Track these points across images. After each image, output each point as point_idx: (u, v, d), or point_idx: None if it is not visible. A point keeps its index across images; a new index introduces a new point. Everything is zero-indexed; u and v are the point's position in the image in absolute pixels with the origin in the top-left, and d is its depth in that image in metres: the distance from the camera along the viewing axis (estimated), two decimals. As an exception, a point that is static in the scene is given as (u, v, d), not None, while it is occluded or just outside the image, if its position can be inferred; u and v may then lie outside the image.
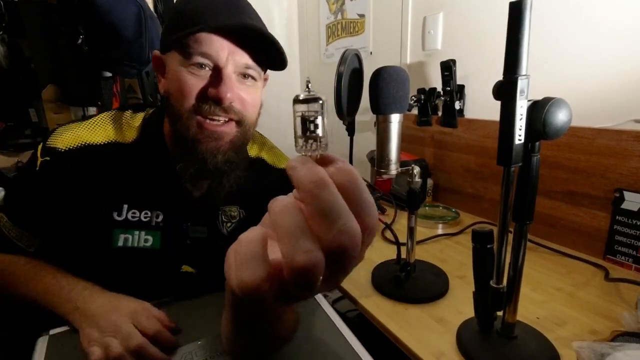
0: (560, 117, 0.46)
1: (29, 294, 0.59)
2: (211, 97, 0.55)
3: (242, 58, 0.57)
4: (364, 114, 1.65)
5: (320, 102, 0.26)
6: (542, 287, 0.74)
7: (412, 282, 0.74)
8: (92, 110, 1.62)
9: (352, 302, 0.74)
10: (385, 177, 0.67)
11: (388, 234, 0.98)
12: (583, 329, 0.62)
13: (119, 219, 0.62)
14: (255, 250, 0.25)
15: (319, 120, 0.27)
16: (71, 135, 0.61)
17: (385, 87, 0.60)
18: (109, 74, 1.49)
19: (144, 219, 0.62)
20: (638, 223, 0.77)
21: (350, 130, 0.71)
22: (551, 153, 0.90)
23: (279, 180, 0.70)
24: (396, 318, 0.66)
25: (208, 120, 0.57)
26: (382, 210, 1.14)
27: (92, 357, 0.49)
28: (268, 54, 0.60)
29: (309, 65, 2.07)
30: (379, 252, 0.90)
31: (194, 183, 0.63)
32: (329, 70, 1.91)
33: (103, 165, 0.61)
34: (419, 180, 0.70)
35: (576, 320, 0.64)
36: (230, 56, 0.56)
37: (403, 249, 0.79)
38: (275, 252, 0.24)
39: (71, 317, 0.55)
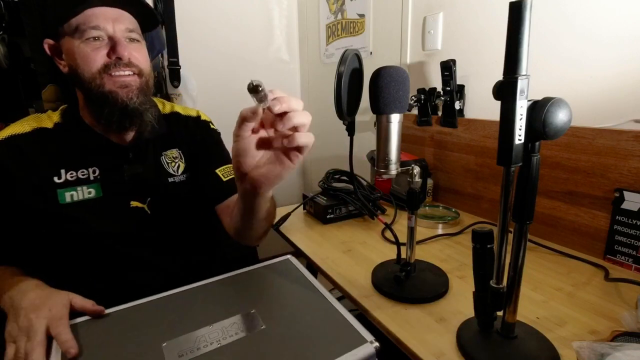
0: (560, 117, 0.46)
1: None
2: (114, 57, 0.70)
3: (124, 24, 0.72)
4: (364, 114, 1.65)
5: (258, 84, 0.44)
6: (542, 287, 0.74)
7: (412, 282, 0.74)
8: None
9: (352, 302, 0.74)
10: (385, 177, 0.67)
11: (388, 234, 0.99)
12: (583, 329, 0.62)
13: (59, 181, 0.73)
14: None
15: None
16: (8, 129, 0.74)
17: (385, 87, 0.61)
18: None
19: (81, 176, 0.75)
20: (638, 223, 0.77)
21: (350, 130, 0.71)
22: (551, 153, 0.90)
23: (194, 124, 0.91)
24: (396, 318, 0.66)
25: (117, 77, 0.72)
26: (382, 210, 1.14)
27: (6, 357, 0.54)
28: (143, 18, 0.77)
29: (309, 65, 2.07)
30: (379, 252, 0.90)
31: (122, 128, 0.75)
32: (329, 70, 1.91)
33: (32, 146, 0.73)
34: (419, 180, 0.70)
35: (576, 320, 0.64)
36: (116, 25, 0.71)
37: (403, 249, 0.79)
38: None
39: (7, 310, 0.61)
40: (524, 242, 0.52)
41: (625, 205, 0.79)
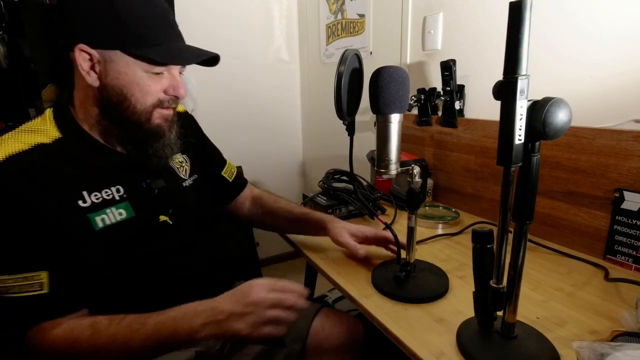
0: (560, 117, 0.46)
1: (139, 349, 0.59)
2: (172, 95, 0.69)
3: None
4: (364, 114, 1.65)
5: None
6: (542, 287, 0.74)
7: (412, 282, 0.74)
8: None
9: (352, 302, 0.74)
10: (385, 177, 0.67)
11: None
12: (583, 329, 0.62)
13: (86, 204, 0.64)
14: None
15: None
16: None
17: (386, 87, 0.61)
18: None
19: (107, 197, 0.67)
20: (638, 223, 0.77)
21: (350, 130, 0.71)
22: (551, 153, 0.90)
23: (185, 120, 0.85)
24: (396, 318, 0.65)
25: (166, 111, 0.70)
26: (382, 210, 1.14)
27: (275, 332, 0.60)
28: None
29: (309, 65, 2.07)
30: (380, 252, 0.90)
31: (151, 154, 0.71)
32: (329, 70, 1.91)
33: (39, 168, 0.62)
34: (419, 180, 0.70)
35: (576, 320, 0.64)
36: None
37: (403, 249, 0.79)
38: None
39: (204, 332, 0.59)
40: (524, 242, 0.52)
41: (625, 205, 0.79)
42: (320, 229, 0.88)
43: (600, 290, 0.73)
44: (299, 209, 0.95)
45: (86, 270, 0.65)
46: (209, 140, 0.98)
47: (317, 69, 2.00)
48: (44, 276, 0.60)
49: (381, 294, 0.72)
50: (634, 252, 0.78)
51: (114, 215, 0.67)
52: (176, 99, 0.70)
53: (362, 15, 1.61)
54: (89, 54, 0.63)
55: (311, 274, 1.20)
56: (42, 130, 0.66)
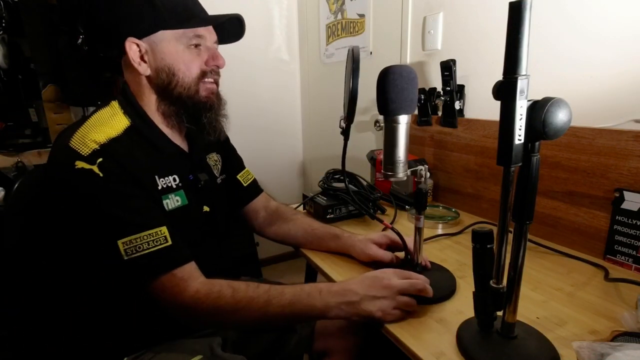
0: (560, 117, 0.46)
1: (276, 314, 0.65)
2: (213, 65, 0.76)
3: (215, 36, 0.79)
4: (364, 114, 1.65)
5: None
6: (542, 287, 0.74)
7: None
8: (91, 110, 1.62)
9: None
10: (392, 179, 0.65)
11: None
12: (583, 329, 0.62)
13: (159, 187, 0.71)
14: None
15: None
16: (94, 134, 0.66)
17: (394, 88, 0.58)
18: (108, 74, 1.50)
19: (169, 184, 0.73)
20: (638, 223, 0.77)
21: (346, 134, 0.69)
22: (551, 153, 0.90)
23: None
24: (396, 318, 0.65)
25: (209, 84, 0.76)
26: (382, 210, 1.14)
27: (402, 317, 0.64)
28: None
29: (309, 65, 2.07)
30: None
31: (211, 131, 0.78)
32: (329, 70, 1.91)
33: (130, 150, 0.68)
34: (430, 180, 0.69)
35: (576, 320, 0.64)
36: (211, 36, 0.77)
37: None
38: None
39: (337, 310, 0.64)
40: (524, 242, 0.52)
41: (625, 205, 0.79)
42: (339, 244, 0.88)
43: (600, 290, 0.73)
44: (317, 223, 0.95)
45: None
46: (234, 148, 1.03)
47: (317, 69, 2.00)
48: (164, 230, 0.66)
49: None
50: (634, 252, 0.78)
51: (174, 201, 0.73)
52: (217, 68, 0.77)
53: (362, 15, 1.61)
54: (137, 44, 0.70)
55: (311, 274, 1.20)
56: (116, 117, 0.72)
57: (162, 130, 0.75)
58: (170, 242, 0.66)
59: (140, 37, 0.70)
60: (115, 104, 0.74)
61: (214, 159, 0.90)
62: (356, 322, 0.90)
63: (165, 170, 0.73)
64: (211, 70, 0.76)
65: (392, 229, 0.81)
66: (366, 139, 1.68)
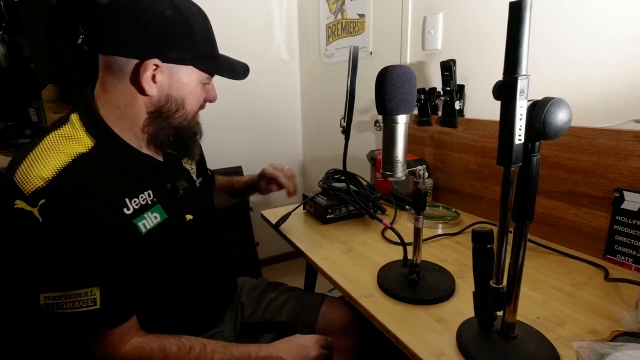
0: (560, 117, 0.46)
1: None
2: (209, 100, 0.76)
3: None
4: (364, 114, 1.65)
5: None
6: (542, 287, 0.74)
7: (421, 284, 0.73)
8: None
9: (352, 302, 0.74)
10: (391, 179, 0.65)
11: (388, 234, 0.98)
12: (583, 329, 0.62)
13: (129, 212, 0.65)
14: None
15: None
16: (41, 167, 0.58)
17: (392, 87, 0.59)
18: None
19: (143, 202, 0.68)
20: (638, 223, 0.77)
21: (347, 133, 0.69)
22: (551, 153, 0.90)
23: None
24: (396, 318, 0.66)
25: (198, 115, 0.76)
26: (382, 210, 1.14)
27: None
28: None
29: (309, 65, 2.07)
30: (379, 252, 0.90)
31: (184, 150, 0.76)
32: (329, 70, 1.91)
33: (89, 176, 0.61)
34: (429, 180, 0.69)
35: (576, 320, 0.64)
36: None
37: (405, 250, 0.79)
38: None
39: None
40: (524, 242, 0.52)
41: (625, 205, 0.79)
42: (251, 185, 1.08)
43: (600, 290, 0.73)
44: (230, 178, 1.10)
45: (137, 277, 0.67)
46: None
47: (317, 69, 2.00)
48: (95, 292, 0.60)
49: (392, 297, 0.71)
50: (634, 252, 0.78)
51: (151, 219, 0.69)
52: (210, 102, 0.78)
53: (362, 15, 1.61)
54: (157, 66, 0.63)
55: (311, 274, 1.20)
56: (76, 138, 0.64)
57: (132, 145, 0.68)
58: (98, 306, 0.60)
59: (164, 61, 0.64)
60: (75, 119, 0.65)
61: (188, 163, 0.87)
62: (356, 322, 0.92)
63: (138, 188, 0.68)
64: (204, 104, 0.77)
65: (392, 229, 0.81)
66: (366, 139, 1.68)
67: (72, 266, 0.59)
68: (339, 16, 1.74)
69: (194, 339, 0.70)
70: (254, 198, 2.05)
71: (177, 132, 0.71)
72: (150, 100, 0.66)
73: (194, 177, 0.87)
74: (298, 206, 1.18)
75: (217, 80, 0.75)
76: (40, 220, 0.55)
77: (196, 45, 0.67)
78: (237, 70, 0.76)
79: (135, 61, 0.63)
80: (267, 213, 1.20)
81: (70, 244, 0.58)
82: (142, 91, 0.64)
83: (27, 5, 1.61)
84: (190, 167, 0.87)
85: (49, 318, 0.59)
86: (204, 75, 0.70)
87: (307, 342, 0.76)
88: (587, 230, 0.87)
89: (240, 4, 1.90)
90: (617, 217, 0.80)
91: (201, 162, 0.95)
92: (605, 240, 0.83)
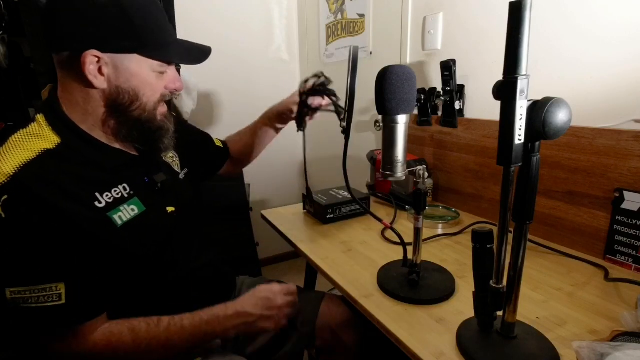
0: (560, 117, 0.46)
1: (179, 348, 0.70)
2: (172, 89, 0.73)
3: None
4: (364, 114, 1.65)
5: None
6: (542, 287, 0.74)
7: (421, 284, 0.73)
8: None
9: (352, 302, 0.74)
10: (391, 179, 0.65)
11: (388, 234, 0.99)
12: (583, 329, 0.62)
13: (101, 205, 0.65)
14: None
15: None
16: (4, 163, 0.59)
17: (392, 87, 0.59)
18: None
19: (117, 196, 0.68)
20: (638, 223, 0.77)
21: (347, 133, 0.69)
22: (551, 153, 0.90)
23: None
24: (396, 318, 0.66)
25: (162, 108, 0.73)
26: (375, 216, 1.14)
27: (283, 324, 0.79)
28: None
29: (309, 65, 2.07)
30: (379, 252, 0.90)
31: (157, 149, 0.75)
32: (329, 70, 1.91)
33: (55, 172, 0.61)
34: (429, 180, 0.69)
35: (576, 320, 0.64)
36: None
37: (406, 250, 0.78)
38: None
39: (235, 331, 0.75)
40: (524, 242, 0.52)
41: (625, 205, 0.79)
42: (274, 118, 1.12)
43: (600, 290, 0.73)
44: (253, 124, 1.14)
45: (110, 272, 0.66)
46: (190, 126, 1.07)
47: (317, 69, 1.99)
48: (61, 287, 0.60)
49: (392, 297, 0.71)
50: (634, 252, 0.78)
51: (128, 211, 0.68)
52: (175, 92, 0.74)
53: (362, 15, 1.61)
54: (98, 57, 0.62)
55: (311, 274, 1.20)
56: (42, 135, 0.64)
57: (102, 141, 0.68)
58: (63, 301, 0.59)
59: (104, 51, 0.62)
60: (41, 118, 0.66)
61: (169, 156, 0.85)
62: (356, 319, 0.92)
63: (110, 182, 0.67)
64: (167, 94, 0.73)
65: (392, 229, 0.81)
66: (366, 139, 1.68)
67: (35, 261, 0.59)
68: (339, 16, 1.74)
69: (164, 316, 0.70)
70: (254, 198, 2.06)
71: (139, 127, 0.69)
72: (104, 94, 0.66)
73: (177, 169, 0.86)
74: (298, 206, 1.17)
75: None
76: (4, 216, 0.56)
77: (137, 32, 0.64)
78: (192, 54, 0.73)
79: (78, 56, 0.62)
80: (267, 213, 1.20)
81: (33, 239, 0.58)
82: (90, 85, 0.64)
83: (27, 5, 1.61)
84: (172, 159, 0.86)
85: (16, 313, 0.59)
86: (154, 63, 0.67)
87: (270, 294, 0.78)
88: (587, 230, 0.87)
89: (240, 4, 1.90)
90: (617, 217, 0.80)
91: (190, 151, 0.92)
92: (605, 240, 0.83)
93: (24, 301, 0.58)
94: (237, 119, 2.08)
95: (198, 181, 0.96)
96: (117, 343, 0.65)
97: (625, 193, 0.79)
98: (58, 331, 0.62)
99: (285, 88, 2.16)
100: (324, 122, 2.04)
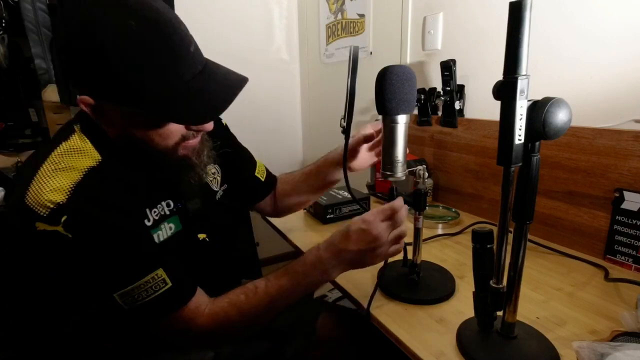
0: (560, 117, 0.46)
1: (284, 306, 0.67)
2: (195, 130, 0.63)
3: None
4: (364, 114, 1.65)
5: None
6: (542, 287, 0.74)
7: (421, 284, 0.74)
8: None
9: (352, 302, 0.74)
10: (391, 179, 0.65)
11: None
12: (583, 329, 0.62)
13: (149, 223, 0.65)
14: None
15: None
16: (50, 189, 0.54)
17: (392, 87, 0.59)
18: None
19: (162, 213, 0.67)
20: (638, 223, 0.77)
21: (347, 132, 0.69)
22: (551, 153, 0.90)
23: (216, 133, 0.75)
24: (396, 318, 0.66)
25: (191, 142, 0.64)
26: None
27: (400, 249, 0.68)
28: None
29: (309, 65, 2.07)
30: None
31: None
32: (329, 70, 1.91)
33: (104, 192, 0.59)
34: (430, 180, 0.69)
35: (576, 320, 0.64)
36: None
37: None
38: None
39: (337, 273, 0.67)
40: (524, 242, 0.52)
41: (625, 205, 0.79)
42: (330, 160, 0.89)
43: (600, 290, 0.73)
44: (312, 165, 0.94)
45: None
46: (240, 145, 0.94)
47: (317, 69, 2.00)
48: (161, 273, 0.60)
49: (392, 298, 0.71)
50: (634, 252, 0.78)
51: (167, 229, 0.68)
52: (200, 130, 0.64)
53: (362, 15, 1.61)
54: (90, 104, 0.57)
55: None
56: (84, 150, 0.60)
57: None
58: (170, 284, 0.60)
59: (97, 100, 0.56)
60: (78, 131, 0.62)
61: (211, 172, 0.81)
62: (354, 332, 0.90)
63: (158, 196, 0.66)
64: (193, 133, 0.64)
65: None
66: (366, 139, 1.67)
67: (126, 260, 0.59)
68: (339, 16, 1.74)
69: (255, 280, 0.68)
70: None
71: (159, 162, 0.64)
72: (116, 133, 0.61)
73: (216, 186, 0.83)
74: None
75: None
76: (70, 236, 0.54)
77: (132, 88, 0.54)
78: (213, 104, 0.58)
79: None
80: (267, 213, 1.20)
81: (110, 244, 0.57)
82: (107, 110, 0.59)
83: (27, 5, 1.61)
84: (213, 176, 0.82)
85: (134, 314, 0.60)
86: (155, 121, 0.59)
87: (364, 224, 0.64)
88: (587, 230, 0.87)
89: (240, 4, 1.90)
90: (617, 217, 0.80)
91: (232, 166, 0.87)
92: (605, 240, 0.83)
93: (135, 299, 0.59)
94: (236, 119, 2.09)
95: (237, 203, 0.91)
96: (225, 320, 0.64)
97: (625, 193, 0.79)
98: (176, 314, 0.62)
99: (285, 88, 2.17)
100: (324, 122, 2.04)
